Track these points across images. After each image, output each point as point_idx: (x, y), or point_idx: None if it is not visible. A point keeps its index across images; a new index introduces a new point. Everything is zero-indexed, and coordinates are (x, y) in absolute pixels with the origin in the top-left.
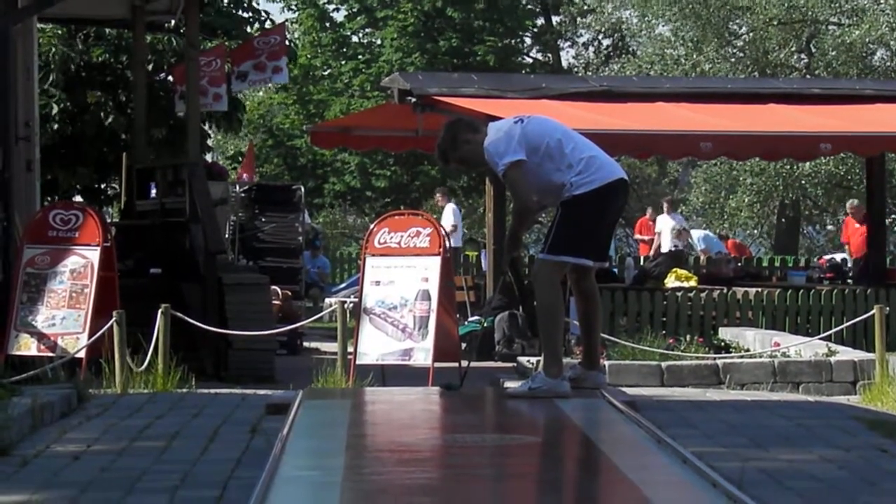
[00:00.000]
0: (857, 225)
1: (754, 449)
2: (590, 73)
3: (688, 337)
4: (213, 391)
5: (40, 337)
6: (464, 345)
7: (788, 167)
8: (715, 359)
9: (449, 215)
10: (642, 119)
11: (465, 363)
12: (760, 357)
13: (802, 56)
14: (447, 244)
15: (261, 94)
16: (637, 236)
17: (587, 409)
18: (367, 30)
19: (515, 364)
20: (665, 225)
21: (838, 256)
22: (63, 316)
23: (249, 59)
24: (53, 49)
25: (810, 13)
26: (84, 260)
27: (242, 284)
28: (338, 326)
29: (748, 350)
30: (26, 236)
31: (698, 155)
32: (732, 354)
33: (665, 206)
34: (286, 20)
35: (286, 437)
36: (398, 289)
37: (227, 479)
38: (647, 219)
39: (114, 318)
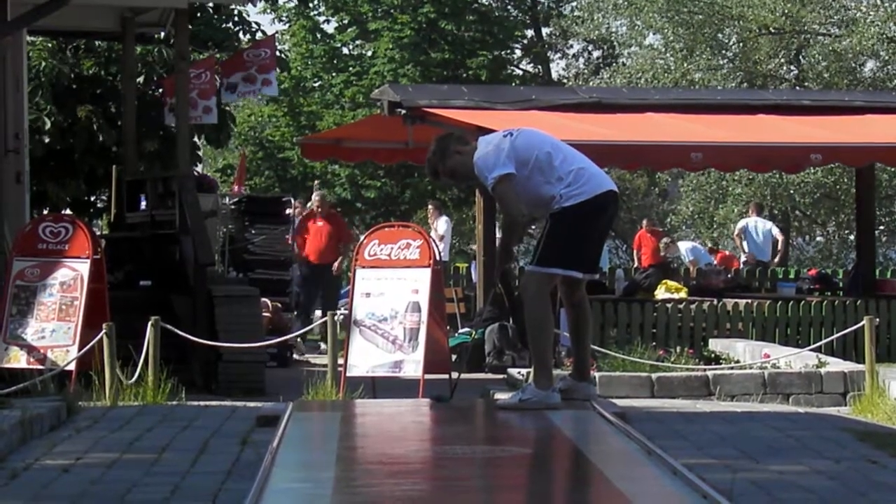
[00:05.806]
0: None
1: (744, 460)
2: (580, 84)
3: (678, 348)
4: (202, 403)
5: (30, 349)
6: (454, 356)
7: (778, 177)
8: (705, 370)
9: (441, 226)
10: (632, 130)
11: (455, 375)
12: (750, 368)
13: (792, 66)
14: (438, 256)
15: (251, 107)
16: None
17: (577, 421)
18: (357, 41)
19: (506, 376)
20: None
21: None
22: (53, 328)
23: (239, 70)
24: (43, 62)
25: (803, 21)
26: (74, 272)
27: (232, 296)
28: (328, 338)
29: (738, 361)
30: (16, 249)
31: (688, 166)
32: (723, 366)
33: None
34: (277, 32)
35: (276, 450)
36: (388, 301)
37: (218, 492)
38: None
39: (103, 331)
